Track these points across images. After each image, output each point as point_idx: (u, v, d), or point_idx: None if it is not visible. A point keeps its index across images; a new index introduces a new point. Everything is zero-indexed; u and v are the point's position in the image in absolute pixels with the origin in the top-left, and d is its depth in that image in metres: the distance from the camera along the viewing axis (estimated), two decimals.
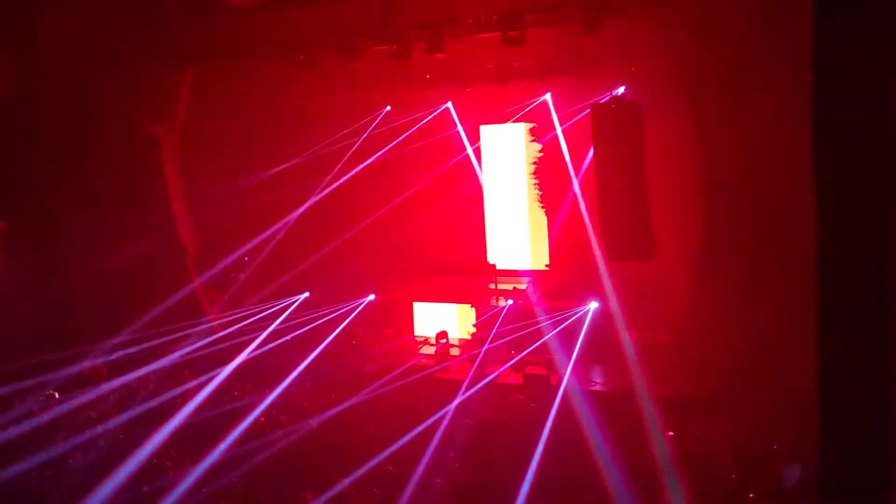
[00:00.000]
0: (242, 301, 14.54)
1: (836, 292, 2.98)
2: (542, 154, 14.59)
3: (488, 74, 13.90)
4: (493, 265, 14.99)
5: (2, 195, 13.48)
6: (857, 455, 2.93)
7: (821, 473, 3.05)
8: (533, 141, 14.65)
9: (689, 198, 11.90)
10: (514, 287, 14.03)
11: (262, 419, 10.51)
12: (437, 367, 12.85)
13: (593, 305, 12.67)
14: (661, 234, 11.76)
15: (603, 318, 12.48)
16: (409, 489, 8.38)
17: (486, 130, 15.15)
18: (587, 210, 13.27)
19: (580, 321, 12.51)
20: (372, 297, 14.71)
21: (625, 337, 11.62)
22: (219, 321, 14.12)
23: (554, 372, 11.83)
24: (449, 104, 14.90)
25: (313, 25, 12.45)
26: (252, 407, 10.67)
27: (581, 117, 13.40)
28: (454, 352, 13.59)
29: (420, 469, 8.71)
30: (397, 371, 12.14)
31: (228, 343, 12.96)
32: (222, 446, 9.35)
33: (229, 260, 14.46)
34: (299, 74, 13.27)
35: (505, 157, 15.13)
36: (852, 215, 2.91)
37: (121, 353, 12.29)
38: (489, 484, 8.61)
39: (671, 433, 9.16)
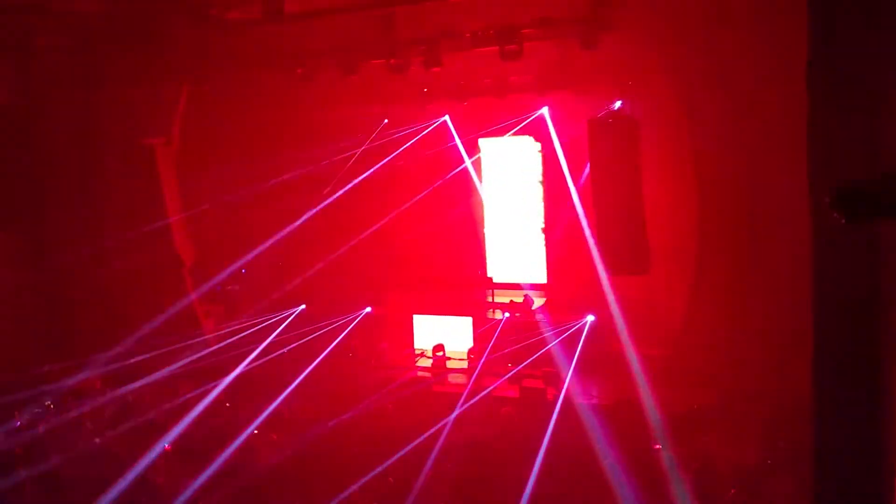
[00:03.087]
0: (239, 313, 14.51)
1: (832, 305, 3.00)
2: (540, 167, 14.63)
3: (486, 88, 13.96)
4: (491, 278, 14.99)
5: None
6: (853, 467, 2.93)
7: (816, 486, 3.06)
8: (531, 154, 14.69)
9: (685, 211, 11.95)
10: (512, 300, 14.00)
11: (256, 432, 10.46)
12: (433, 381, 12.82)
13: (590, 319, 12.67)
14: (658, 247, 11.78)
15: (600, 331, 12.48)
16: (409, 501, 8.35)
17: (485, 143, 15.19)
18: (585, 223, 13.28)
19: (577, 334, 12.51)
20: (368, 309, 14.68)
21: (622, 350, 11.60)
22: (215, 334, 14.07)
23: (551, 385, 11.81)
24: (446, 117, 14.92)
25: (311, 39, 12.50)
26: (247, 420, 10.62)
27: (578, 131, 13.43)
28: (451, 364, 13.55)
29: (419, 482, 8.68)
30: (394, 384, 12.12)
31: (224, 356, 12.91)
32: (218, 461, 9.30)
33: (226, 272, 14.43)
34: (297, 88, 13.31)
35: (504, 170, 15.16)
36: (846, 229, 2.93)
37: (117, 365, 12.24)
38: (486, 498, 8.57)
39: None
